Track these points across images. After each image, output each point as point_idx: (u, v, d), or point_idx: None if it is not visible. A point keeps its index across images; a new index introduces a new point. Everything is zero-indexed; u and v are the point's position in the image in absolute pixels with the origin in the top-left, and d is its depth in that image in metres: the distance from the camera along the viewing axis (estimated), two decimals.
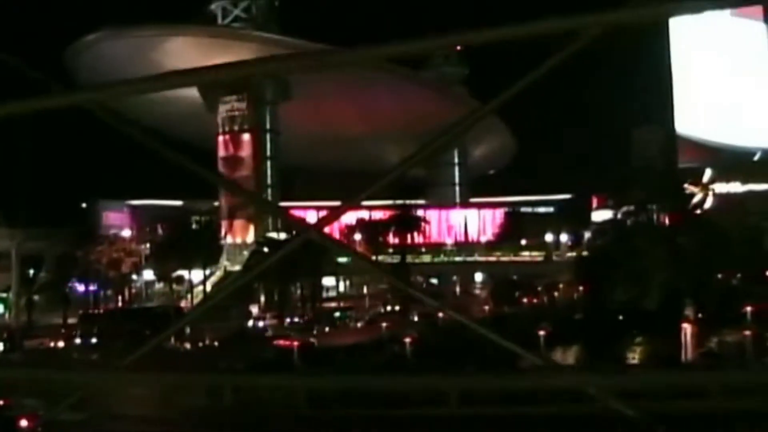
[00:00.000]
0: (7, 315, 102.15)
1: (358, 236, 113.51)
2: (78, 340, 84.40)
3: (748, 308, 67.65)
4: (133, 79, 3.50)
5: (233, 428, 45.88)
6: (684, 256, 75.33)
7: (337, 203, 3.65)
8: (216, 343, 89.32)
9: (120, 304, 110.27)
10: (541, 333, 63.57)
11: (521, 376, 3.40)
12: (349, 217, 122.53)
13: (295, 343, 65.66)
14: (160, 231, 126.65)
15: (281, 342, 70.03)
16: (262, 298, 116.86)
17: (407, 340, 65.06)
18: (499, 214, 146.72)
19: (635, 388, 3.17)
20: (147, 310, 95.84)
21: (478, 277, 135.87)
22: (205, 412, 52.28)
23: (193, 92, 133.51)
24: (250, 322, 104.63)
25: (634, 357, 62.61)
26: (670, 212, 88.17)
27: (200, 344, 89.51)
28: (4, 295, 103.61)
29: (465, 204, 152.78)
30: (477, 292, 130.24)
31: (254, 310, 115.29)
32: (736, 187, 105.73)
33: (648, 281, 74.41)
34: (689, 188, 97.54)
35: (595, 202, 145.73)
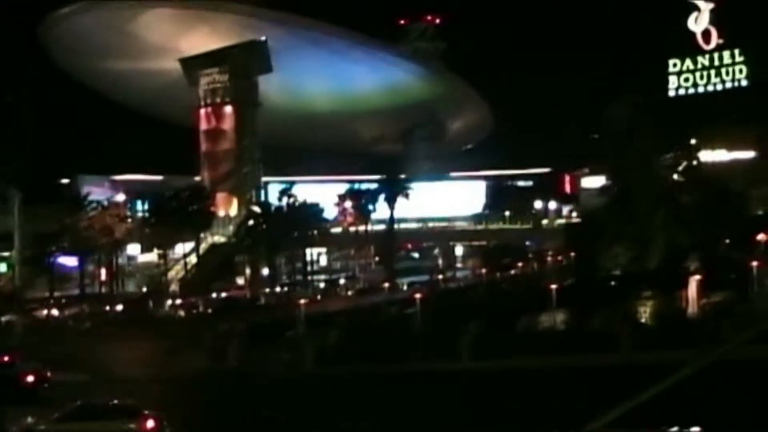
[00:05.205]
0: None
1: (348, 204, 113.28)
2: None
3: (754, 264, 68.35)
4: None
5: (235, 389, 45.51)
6: (685, 214, 76.11)
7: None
8: (209, 311, 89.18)
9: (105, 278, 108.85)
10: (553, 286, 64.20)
11: None
12: (338, 188, 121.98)
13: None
14: (140, 205, 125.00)
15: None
16: (248, 270, 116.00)
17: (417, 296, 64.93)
18: (481, 186, 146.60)
19: None
20: None
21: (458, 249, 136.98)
22: (206, 374, 51.75)
23: (171, 66, 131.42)
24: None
25: (645, 310, 63.03)
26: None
27: (194, 311, 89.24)
28: (7, 254, 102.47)
29: (446, 177, 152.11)
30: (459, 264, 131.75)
31: (240, 281, 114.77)
32: (722, 155, 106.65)
33: (650, 240, 74.97)
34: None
35: (567, 178, 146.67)
